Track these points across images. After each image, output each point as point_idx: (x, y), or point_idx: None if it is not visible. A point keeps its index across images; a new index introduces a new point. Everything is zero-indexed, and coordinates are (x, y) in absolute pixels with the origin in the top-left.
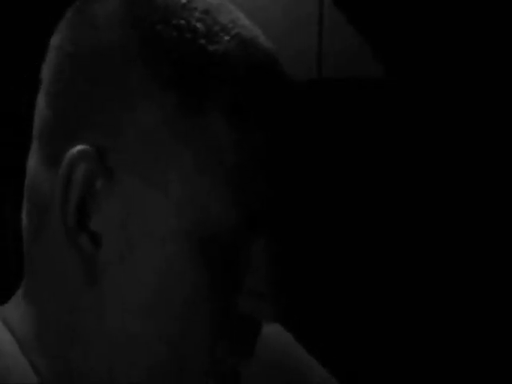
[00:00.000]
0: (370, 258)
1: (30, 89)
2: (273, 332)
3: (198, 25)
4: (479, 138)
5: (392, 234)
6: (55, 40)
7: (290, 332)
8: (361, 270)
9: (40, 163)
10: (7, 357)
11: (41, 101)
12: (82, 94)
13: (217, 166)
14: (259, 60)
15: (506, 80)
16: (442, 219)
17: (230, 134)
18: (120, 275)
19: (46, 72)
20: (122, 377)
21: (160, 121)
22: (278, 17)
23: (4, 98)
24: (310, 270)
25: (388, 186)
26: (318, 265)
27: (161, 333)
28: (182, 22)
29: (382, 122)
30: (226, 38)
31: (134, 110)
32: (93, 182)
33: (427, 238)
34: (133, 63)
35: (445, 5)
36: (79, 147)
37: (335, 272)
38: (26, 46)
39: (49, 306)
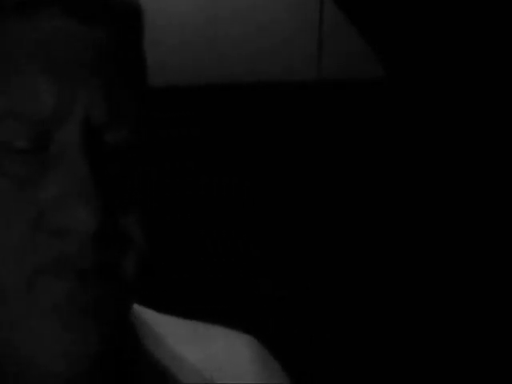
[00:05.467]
0: (372, 261)
1: None
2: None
3: None
4: (480, 139)
5: (392, 236)
6: None
7: (289, 331)
8: (360, 272)
9: None
10: None
11: None
12: None
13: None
14: None
15: (506, 78)
16: (442, 221)
17: (19, 30)
18: None
19: None
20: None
21: None
22: (279, 18)
23: None
24: (309, 271)
25: (388, 187)
26: (316, 265)
27: None
28: None
29: (382, 123)
30: None
31: None
32: None
33: (428, 242)
34: None
35: (445, 5)
36: None
37: (334, 272)
38: None
39: None
